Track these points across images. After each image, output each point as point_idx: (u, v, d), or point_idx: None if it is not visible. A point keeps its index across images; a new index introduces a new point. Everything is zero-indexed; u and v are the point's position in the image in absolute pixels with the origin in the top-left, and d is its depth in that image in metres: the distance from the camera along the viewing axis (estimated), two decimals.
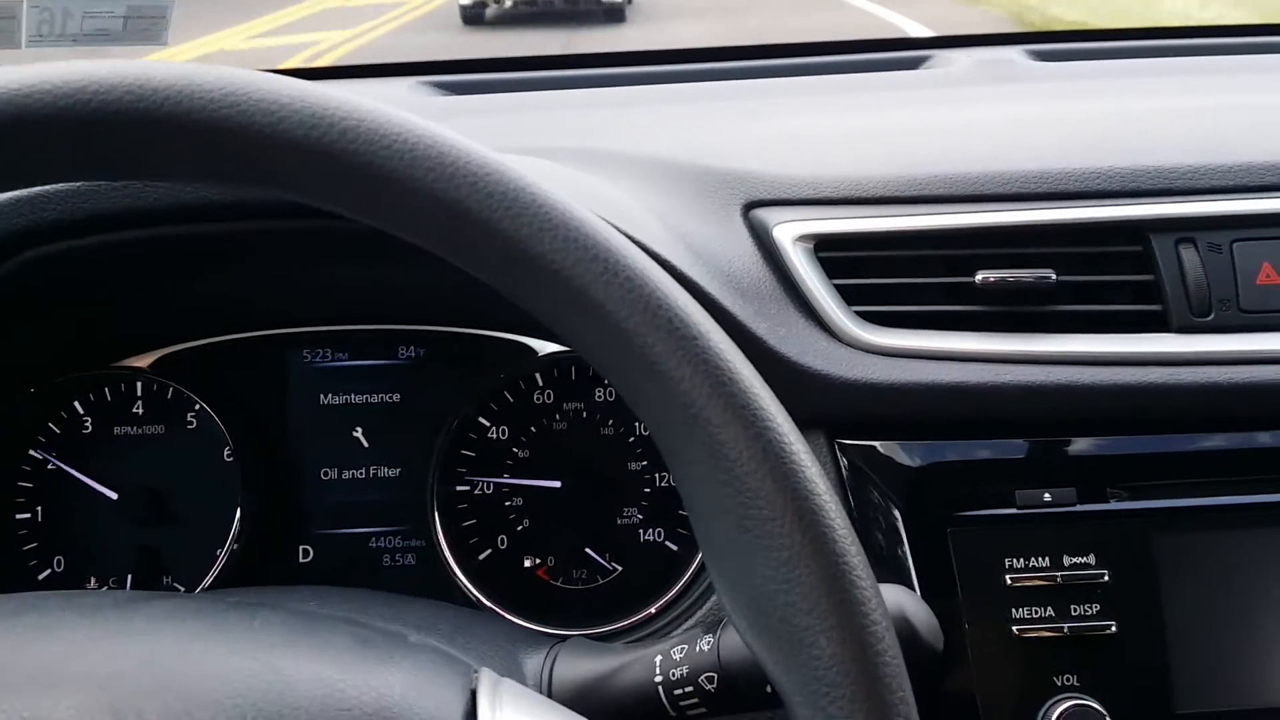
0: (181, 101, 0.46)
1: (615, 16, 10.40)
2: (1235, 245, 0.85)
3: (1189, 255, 0.85)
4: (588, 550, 1.01)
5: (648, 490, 1.01)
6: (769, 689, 0.62)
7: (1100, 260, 0.87)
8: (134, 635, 0.52)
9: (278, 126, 0.47)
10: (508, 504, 1.01)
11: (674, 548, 1.00)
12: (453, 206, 0.48)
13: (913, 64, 1.42)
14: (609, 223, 0.50)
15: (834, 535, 0.47)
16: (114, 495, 1.00)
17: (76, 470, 1.00)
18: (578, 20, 10.30)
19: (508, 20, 10.09)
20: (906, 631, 0.65)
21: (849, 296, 0.86)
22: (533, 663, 0.69)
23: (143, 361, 1.00)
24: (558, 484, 1.01)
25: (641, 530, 1.01)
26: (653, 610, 0.94)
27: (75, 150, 0.47)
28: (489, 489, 1.01)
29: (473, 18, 10.12)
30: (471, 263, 0.50)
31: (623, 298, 0.48)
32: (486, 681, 0.53)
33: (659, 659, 0.66)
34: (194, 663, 0.49)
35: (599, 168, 0.95)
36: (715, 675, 0.63)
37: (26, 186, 0.52)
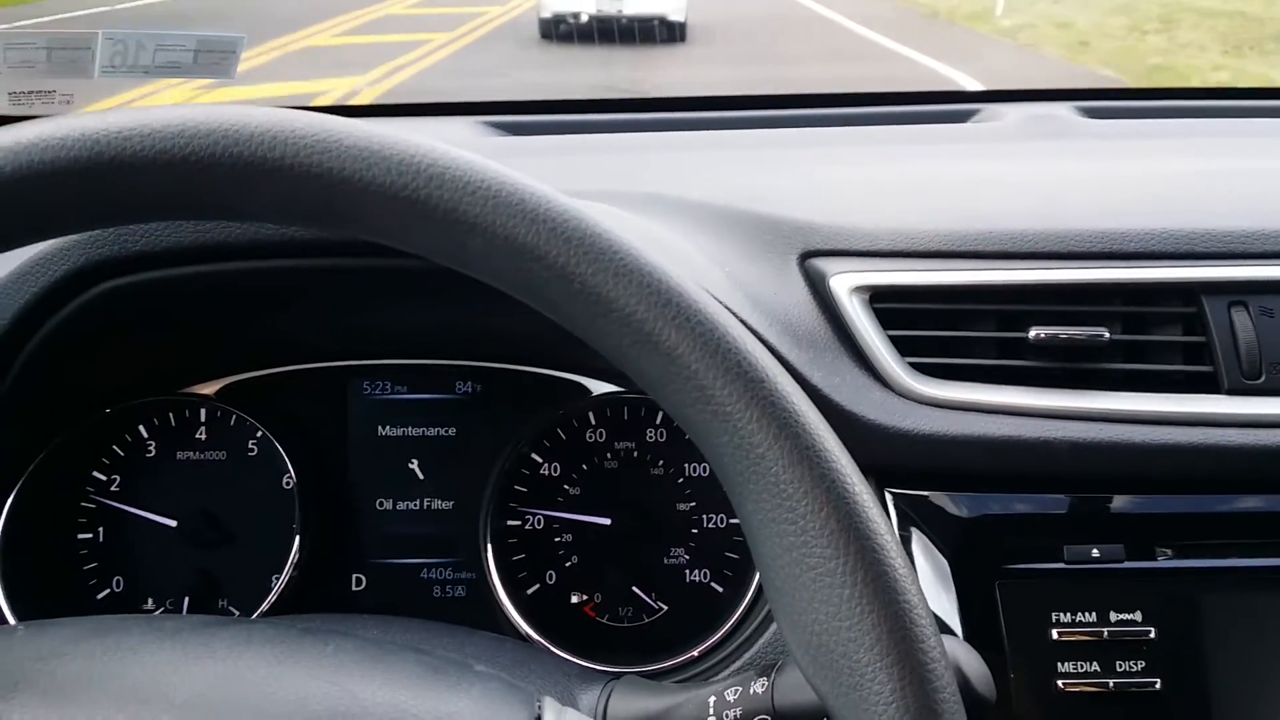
0: (275, 148, 0.49)
1: (676, 35, 11.37)
2: None
3: (1241, 318, 0.86)
4: (635, 588, 1.02)
5: (695, 531, 1.02)
6: None
7: (1152, 320, 0.88)
8: (215, 659, 0.53)
9: (366, 174, 0.49)
10: (557, 540, 1.03)
11: (719, 589, 1.01)
12: (531, 251, 0.50)
13: (962, 117, 1.44)
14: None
15: (894, 575, 0.48)
16: (172, 523, 1.02)
17: (139, 494, 1.02)
18: (642, 38, 11.16)
19: (581, 35, 10.91)
20: (960, 682, 0.66)
21: (903, 348, 0.88)
22: (588, 698, 0.71)
23: (208, 389, 1.02)
24: (608, 521, 1.02)
25: (688, 571, 1.02)
26: (696, 653, 0.95)
27: (171, 192, 0.49)
28: (540, 524, 1.03)
29: (550, 32, 11.20)
30: (546, 304, 0.52)
31: (692, 341, 0.50)
32: (551, 710, 0.54)
33: (713, 699, 0.67)
34: (274, 686, 0.51)
35: (656, 212, 0.97)
36: (769, 718, 0.64)
37: (122, 224, 0.55)
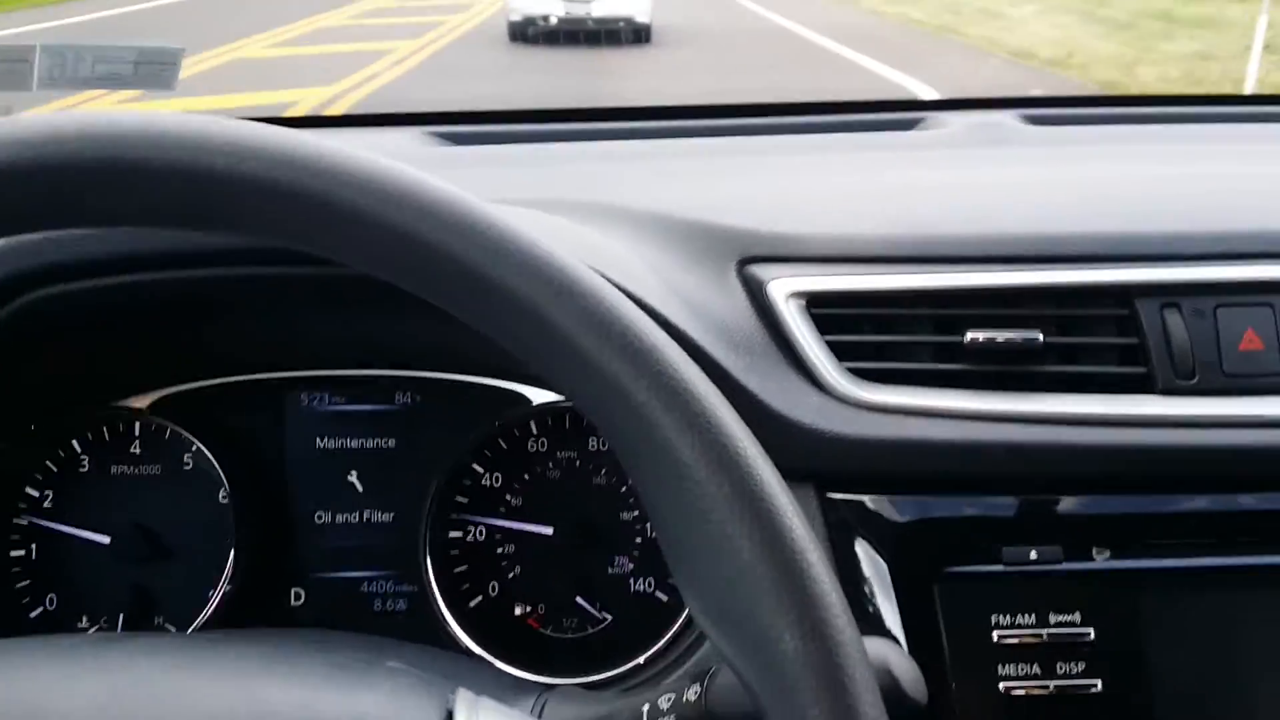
0: (137, 147, 0.48)
1: (641, 38, 11.92)
2: (1219, 310, 0.87)
3: (1174, 320, 0.87)
4: (578, 599, 1.01)
5: (639, 540, 1.02)
6: None
7: (1087, 323, 0.88)
8: (110, 672, 0.52)
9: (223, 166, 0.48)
10: (499, 551, 1.02)
11: (664, 598, 1.01)
12: (384, 222, 0.49)
13: (907, 125, 1.45)
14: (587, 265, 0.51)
15: (791, 535, 0.48)
16: (105, 540, 1.00)
17: (72, 509, 1.01)
18: (608, 40, 11.71)
19: (548, 37, 11.59)
20: (889, 685, 0.65)
21: (840, 353, 0.87)
22: (521, 709, 0.70)
23: (141, 402, 1.01)
24: (550, 531, 1.01)
25: (632, 580, 1.02)
26: (640, 660, 0.94)
27: (42, 199, 0.48)
28: (481, 535, 1.02)
29: (518, 34, 11.76)
30: (423, 287, 0.51)
31: (578, 317, 0.49)
32: (463, 701, 0.53)
33: (646, 707, 0.66)
34: (173, 694, 0.50)
35: (594, 220, 0.96)
36: None
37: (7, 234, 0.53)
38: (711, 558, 0.49)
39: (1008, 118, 1.43)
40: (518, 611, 1.02)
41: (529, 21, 11.62)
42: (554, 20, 11.55)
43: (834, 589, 0.48)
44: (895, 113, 1.52)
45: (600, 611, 1.01)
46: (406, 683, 0.55)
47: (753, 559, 0.48)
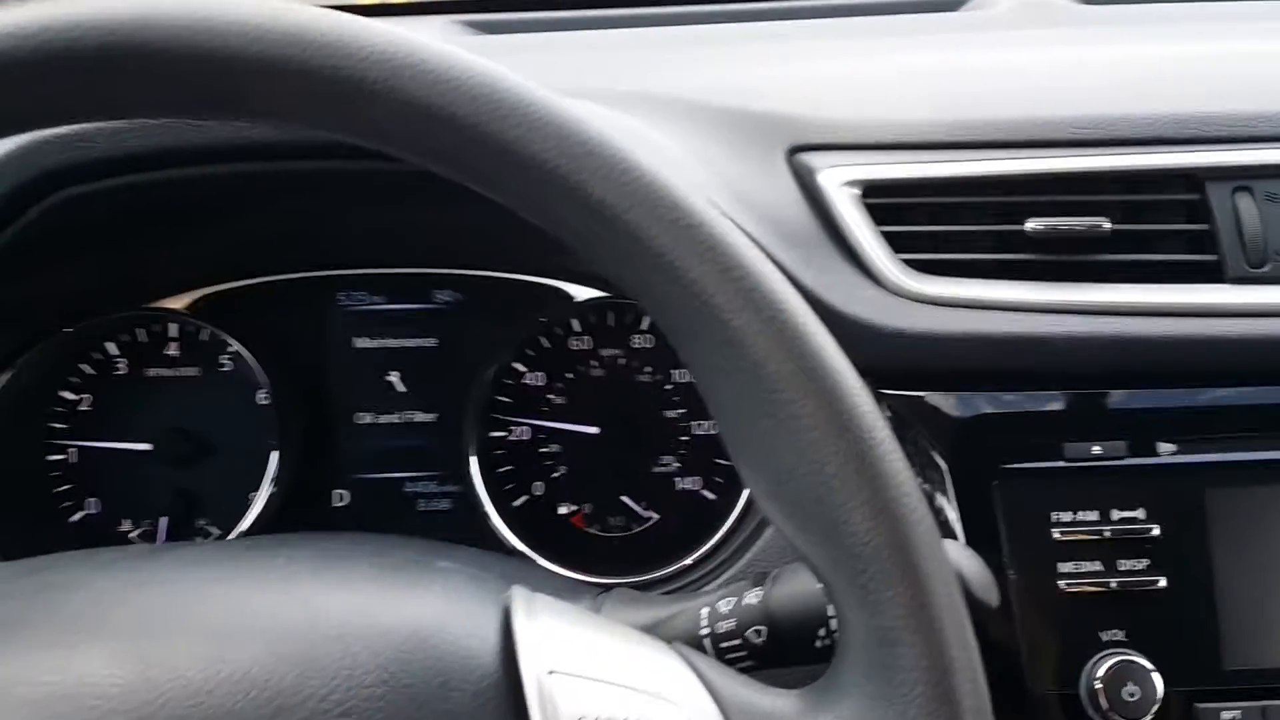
0: (142, 32, 0.44)
1: None
2: None
3: (1245, 204, 0.83)
4: (624, 498, 1.00)
5: (685, 438, 1.00)
6: (817, 643, 0.62)
7: (1154, 209, 0.85)
8: (157, 584, 0.51)
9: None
10: (544, 450, 1.00)
11: (711, 497, 0.99)
12: (425, 106, 0.45)
13: (952, 5, 1.39)
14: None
15: (859, 412, 0.46)
16: (147, 447, 0.99)
17: (109, 413, 1.00)
18: None
19: None
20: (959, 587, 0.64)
21: (896, 244, 0.84)
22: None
23: (178, 303, 0.99)
24: (595, 430, 1.00)
25: (678, 479, 1.00)
26: (689, 561, 0.93)
27: (59, 92, 0.45)
28: (526, 435, 1.00)
29: None
30: (452, 166, 0.48)
31: (624, 193, 0.46)
32: (520, 597, 0.51)
33: (705, 611, 0.65)
34: (220, 604, 0.49)
35: (636, 109, 0.93)
36: (763, 629, 0.63)
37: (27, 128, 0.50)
38: (777, 441, 0.46)
39: None
40: (562, 511, 1.00)
41: None
42: None
43: (905, 468, 0.46)
44: None
45: (646, 511, 1.00)
46: (459, 582, 0.53)
47: (821, 438, 0.45)
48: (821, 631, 0.61)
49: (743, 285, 0.46)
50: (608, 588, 0.72)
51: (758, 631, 0.63)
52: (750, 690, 0.49)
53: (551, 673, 0.46)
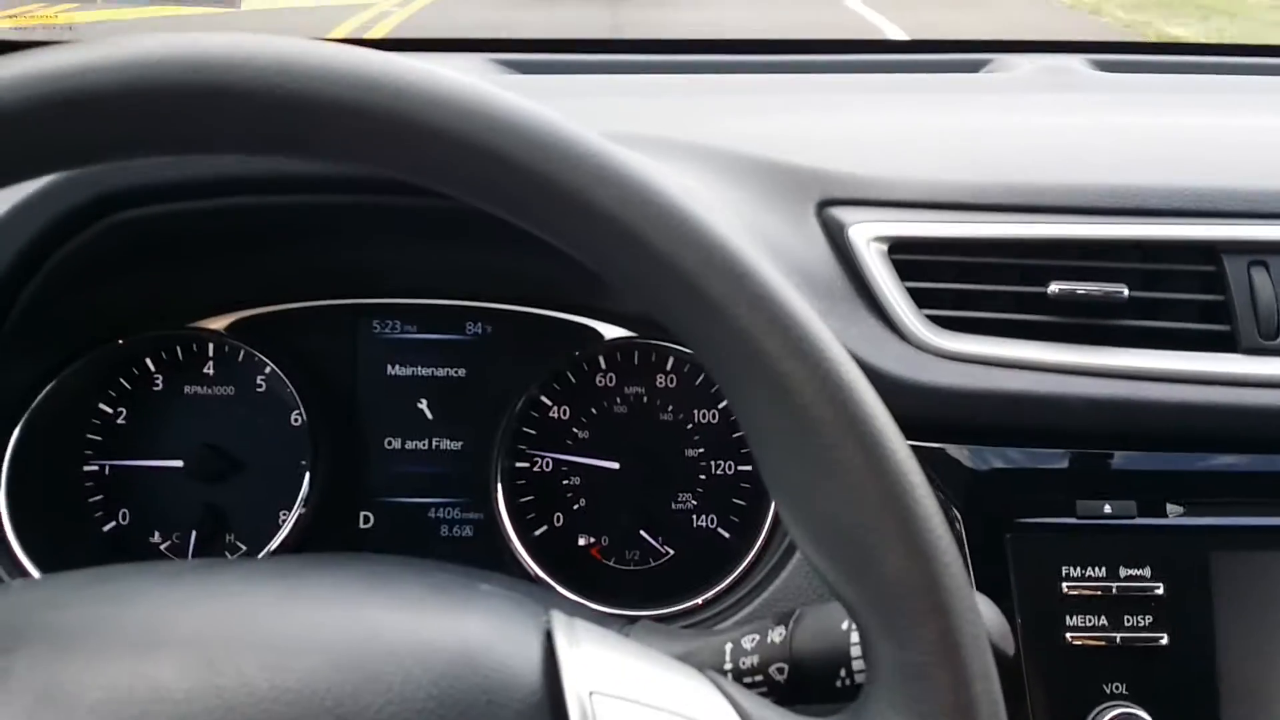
0: (233, 72, 0.47)
1: None
2: None
3: (1260, 278, 0.86)
4: (642, 532, 1.02)
5: (703, 477, 1.03)
6: (838, 683, 0.64)
7: (1172, 278, 0.88)
8: (220, 597, 0.53)
9: (331, 94, 0.47)
10: (565, 482, 1.03)
11: (727, 535, 1.02)
12: (473, 141, 0.48)
13: (973, 67, 1.43)
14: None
15: (895, 456, 0.48)
16: (179, 464, 1.01)
17: (145, 427, 1.02)
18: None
19: None
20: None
21: (920, 300, 0.87)
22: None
23: (218, 324, 1.01)
24: (616, 465, 1.02)
25: (695, 516, 1.02)
26: (700, 601, 0.95)
27: (129, 128, 0.47)
28: (549, 466, 1.03)
29: None
30: (503, 202, 0.50)
31: (674, 237, 0.48)
32: (560, 621, 0.54)
33: (729, 647, 0.67)
34: (282, 616, 0.51)
35: (669, 156, 0.96)
36: (785, 666, 0.65)
37: (84, 165, 0.53)
38: (815, 481, 0.49)
39: (1076, 62, 1.41)
40: (581, 542, 1.03)
41: None
42: None
43: (938, 512, 0.49)
44: (960, 54, 1.50)
45: (663, 546, 1.02)
46: (502, 605, 0.55)
47: (859, 480, 0.48)
48: (843, 672, 0.63)
49: (790, 333, 0.49)
50: (629, 619, 0.74)
51: (780, 669, 0.65)
52: (779, 716, 0.52)
53: (593, 694, 0.48)
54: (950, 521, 0.84)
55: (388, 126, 0.48)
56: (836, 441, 0.48)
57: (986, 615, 0.67)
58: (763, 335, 0.48)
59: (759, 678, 0.65)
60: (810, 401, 0.48)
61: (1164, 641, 0.82)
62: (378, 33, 6.65)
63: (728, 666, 0.66)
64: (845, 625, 0.63)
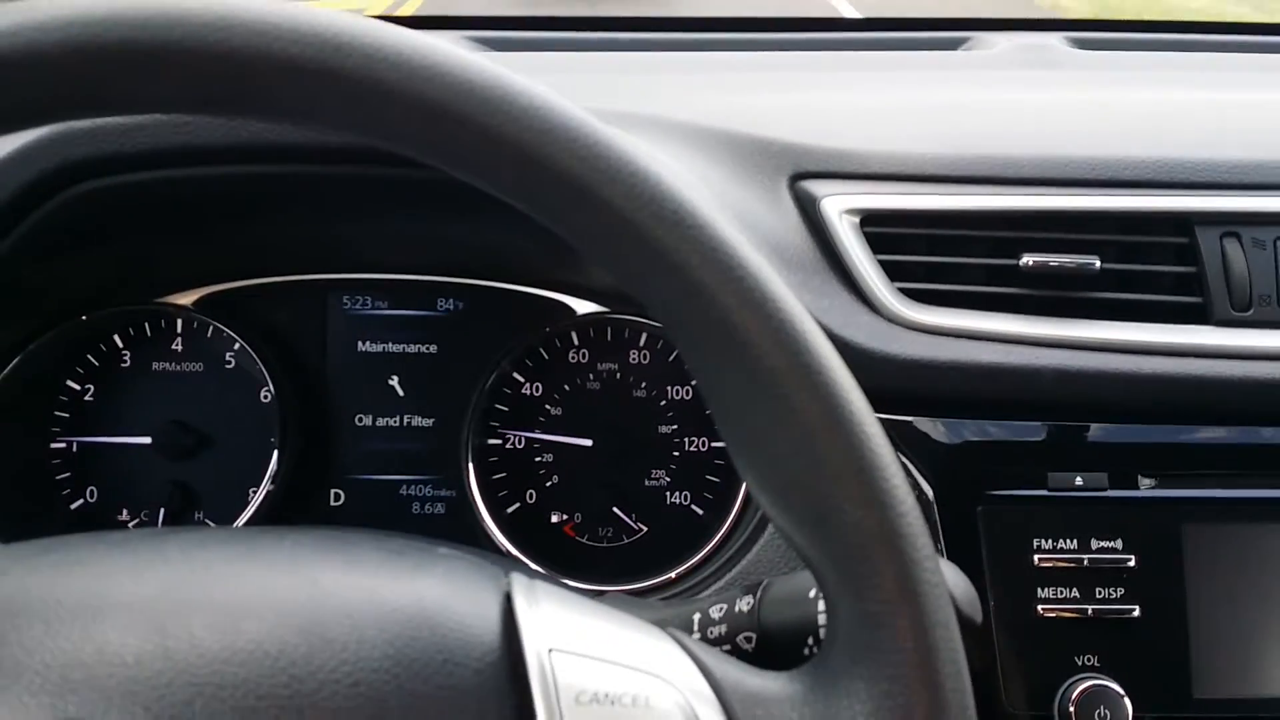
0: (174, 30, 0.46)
1: None
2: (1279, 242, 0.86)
3: (1233, 249, 0.86)
4: (615, 509, 1.02)
5: (676, 454, 1.02)
6: (805, 650, 0.64)
7: (1144, 250, 0.87)
8: (169, 562, 0.52)
9: (273, 49, 0.46)
10: (538, 459, 1.02)
11: (700, 512, 1.01)
12: (422, 98, 0.47)
13: (952, 45, 1.43)
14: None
15: (852, 407, 0.48)
16: (147, 440, 1.01)
17: (112, 403, 1.01)
18: None
19: None
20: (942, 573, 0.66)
21: (892, 273, 0.87)
22: None
23: (185, 299, 1.00)
24: (589, 442, 1.02)
25: (669, 493, 1.02)
26: (673, 575, 0.95)
27: (66, 86, 0.46)
28: (520, 443, 1.02)
29: None
30: (450, 159, 0.49)
31: (632, 197, 0.48)
32: (520, 582, 0.53)
33: (697, 616, 0.67)
34: (232, 580, 0.50)
35: (643, 131, 0.95)
36: (753, 635, 0.64)
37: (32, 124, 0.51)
38: (772, 433, 0.49)
39: (1055, 40, 1.41)
40: (554, 519, 1.02)
41: None
42: None
43: (894, 460, 0.48)
44: (939, 31, 1.49)
45: (636, 523, 1.02)
46: (461, 567, 0.55)
47: (814, 430, 0.47)
48: (810, 640, 0.63)
49: (742, 284, 0.48)
50: (599, 594, 0.73)
51: (748, 638, 0.64)
52: (741, 671, 0.51)
53: (551, 651, 0.48)
54: (919, 492, 0.84)
55: (330, 83, 0.47)
56: (791, 391, 0.48)
57: (954, 582, 0.67)
58: (717, 287, 0.48)
59: (727, 647, 0.65)
60: (765, 352, 0.48)
61: (1136, 614, 0.82)
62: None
63: (695, 635, 0.66)
64: (812, 594, 0.62)
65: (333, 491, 1.03)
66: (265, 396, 1.01)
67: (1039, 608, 0.82)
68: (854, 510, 0.47)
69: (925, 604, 0.47)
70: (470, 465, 1.00)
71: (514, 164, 0.48)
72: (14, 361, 0.96)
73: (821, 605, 0.62)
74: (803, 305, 0.82)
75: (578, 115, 0.49)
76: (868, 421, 0.48)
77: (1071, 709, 0.80)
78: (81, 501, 1.01)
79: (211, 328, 1.01)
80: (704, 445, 1.02)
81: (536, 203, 0.49)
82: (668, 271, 0.48)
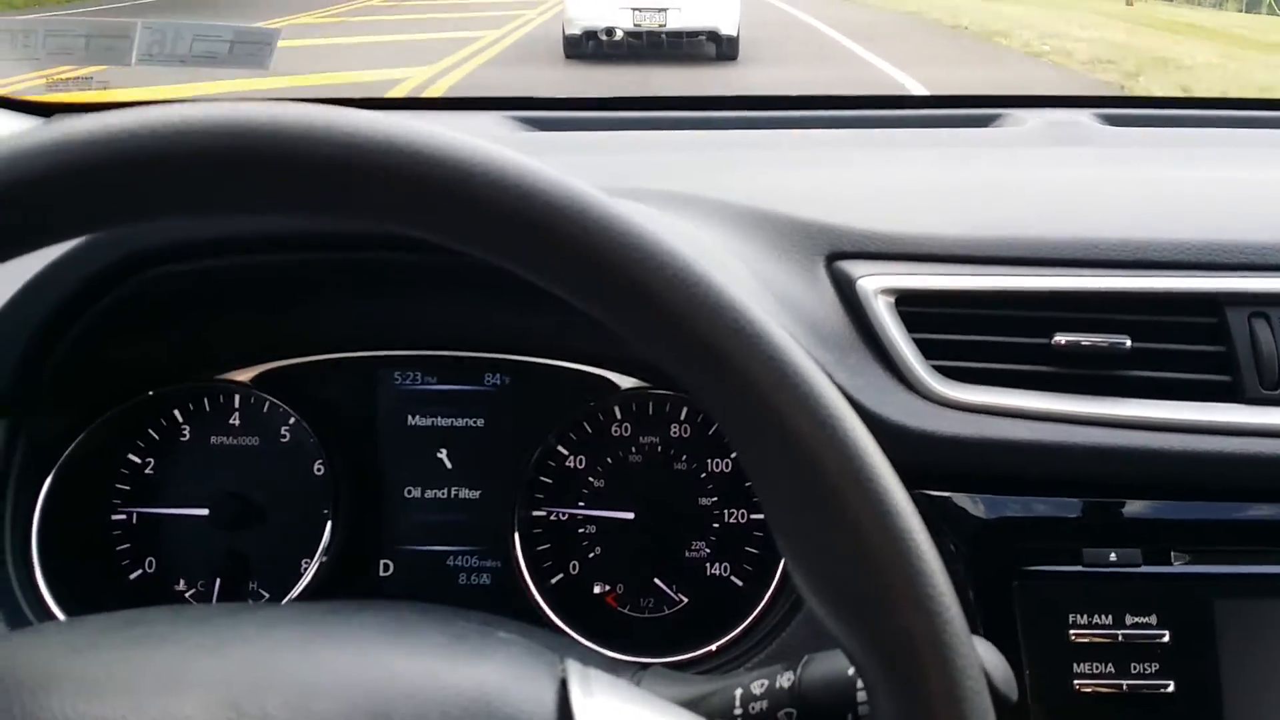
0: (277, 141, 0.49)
1: (726, 51, 9.88)
2: None
3: (1262, 329, 0.88)
4: (656, 580, 1.04)
5: (717, 526, 1.04)
6: None
7: (1175, 329, 0.89)
8: (245, 642, 0.55)
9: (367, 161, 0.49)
10: (581, 531, 1.05)
11: (740, 583, 1.03)
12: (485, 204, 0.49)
13: (983, 121, 1.45)
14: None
15: (903, 515, 0.50)
16: (204, 512, 1.04)
17: (172, 476, 1.04)
18: (687, 56, 9.93)
19: (613, 54, 9.78)
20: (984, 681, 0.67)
21: (928, 351, 0.89)
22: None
23: (243, 376, 1.04)
24: (631, 515, 1.04)
25: (709, 564, 1.04)
26: (713, 647, 0.96)
27: (169, 191, 0.49)
28: (565, 515, 1.04)
29: (576, 52, 9.94)
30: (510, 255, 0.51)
31: (688, 298, 0.50)
32: (575, 671, 0.55)
33: (739, 692, 0.68)
34: (305, 660, 0.53)
35: (682, 210, 0.98)
36: (794, 711, 0.66)
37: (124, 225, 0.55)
38: (824, 537, 0.51)
39: (1085, 116, 1.43)
40: (597, 590, 1.04)
41: (589, 35, 9.86)
42: (619, 34, 9.75)
43: (941, 569, 0.50)
44: (970, 109, 1.52)
45: (677, 594, 1.04)
46: (518, 653, 0.57)
47: (866, 538, 0.49)
48: (849, 716, 0.65)
49: (798, 391, 0.51)
50: (643, 666, 0.75)
51: (789, 714, 0.66)
52: None
53: None
54: (954, 570, 0.86)
55: (400, 188, 0.50)
56: (843, 498, 0.50)
57: (990, 661, 0.68)
58: (773, 393, 0.51)
59: None
60: (820, 458, 0.50)
61: (1170, 689, 0.83)
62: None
63: (737, 711, 0.67)
64: (851, 670, 0.64)
65: (382, 562, 1.06)
66: (319, 469, 1.04)
67: (1075, 683, 0.84)
68: (903, 617, 0.49)
69: (969, 711, 0.49)
70: (517, 537, 1.02)
71: (582, 271, 0.50)
72: (79, 437, 1.00)
73: (860, 683, 0.64)
74: (839, 382, 0.85)
75: (638, 221, 0.51)
76: (915, 528, 0.50)
77: None
78: (140, 571, 1.04)
79: (268, 403, 1.04)
80: (744, 517, 1.04)
81: (597, 306, 0.52)
82: (725, 377, 0.51)
